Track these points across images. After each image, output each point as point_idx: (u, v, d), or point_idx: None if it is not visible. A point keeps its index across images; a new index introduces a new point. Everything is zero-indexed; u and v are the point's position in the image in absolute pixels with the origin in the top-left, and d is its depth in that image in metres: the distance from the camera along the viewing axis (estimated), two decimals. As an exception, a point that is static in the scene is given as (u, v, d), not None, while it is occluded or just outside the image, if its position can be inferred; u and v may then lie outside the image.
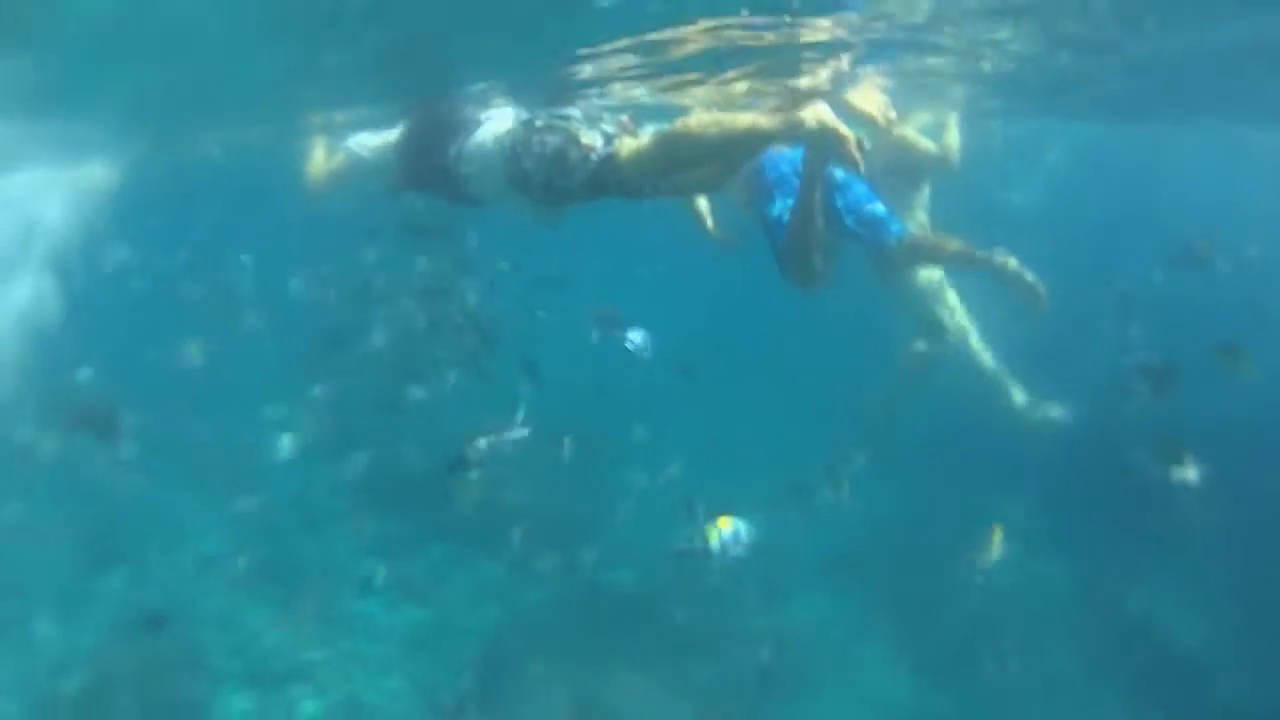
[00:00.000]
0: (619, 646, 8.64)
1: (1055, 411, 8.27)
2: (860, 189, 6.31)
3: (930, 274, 8.37)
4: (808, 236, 4.95)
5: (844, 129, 4.47)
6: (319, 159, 6.82)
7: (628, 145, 5.01)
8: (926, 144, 8.65)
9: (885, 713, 8.53)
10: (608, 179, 5.00)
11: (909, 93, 9.02)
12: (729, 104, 8.64)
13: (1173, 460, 5.25)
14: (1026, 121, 14.35)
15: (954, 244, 6.65)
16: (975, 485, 10.49)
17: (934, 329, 8.03)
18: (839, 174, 6.17)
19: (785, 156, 5.78)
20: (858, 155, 4.45)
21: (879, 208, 6.33)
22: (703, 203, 6.81)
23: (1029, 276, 6.23)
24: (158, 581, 9.51)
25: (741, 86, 7.80)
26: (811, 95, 5.93)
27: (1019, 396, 8.39)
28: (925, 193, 8.86)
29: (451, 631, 9.02)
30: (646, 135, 5.10)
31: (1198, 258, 7.62)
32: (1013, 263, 6.27)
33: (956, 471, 10.66)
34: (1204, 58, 7.90)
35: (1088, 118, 14.06)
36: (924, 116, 9.89)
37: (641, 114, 5.76)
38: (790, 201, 5.25)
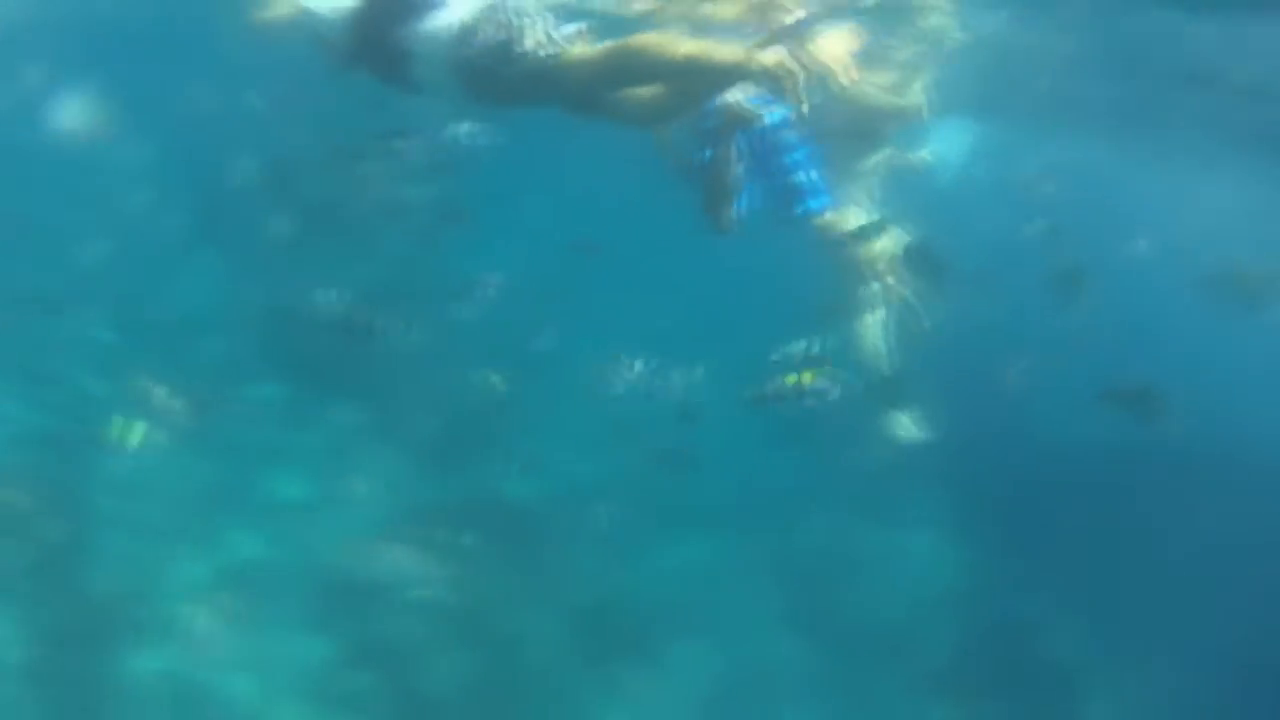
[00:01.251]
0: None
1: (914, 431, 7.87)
2: (799, 154, 5.99)
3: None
4: (723, 179, 4.97)
5: (795, 69, 4.44)
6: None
7: (577, 49, 5.02)
8: (888, 99, 8.09)
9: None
10: (549, 77, 5.00)
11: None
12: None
13: None
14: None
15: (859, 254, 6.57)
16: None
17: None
18: (788, 135, 5.94)
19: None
20: (801, 96, 4.45)
21: (807, 177, 6.01)
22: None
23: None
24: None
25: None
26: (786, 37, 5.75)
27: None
28: (880, 159, 8.29)
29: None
30: (599, 46, 5.03)
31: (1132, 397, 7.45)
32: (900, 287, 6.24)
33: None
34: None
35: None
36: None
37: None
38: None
